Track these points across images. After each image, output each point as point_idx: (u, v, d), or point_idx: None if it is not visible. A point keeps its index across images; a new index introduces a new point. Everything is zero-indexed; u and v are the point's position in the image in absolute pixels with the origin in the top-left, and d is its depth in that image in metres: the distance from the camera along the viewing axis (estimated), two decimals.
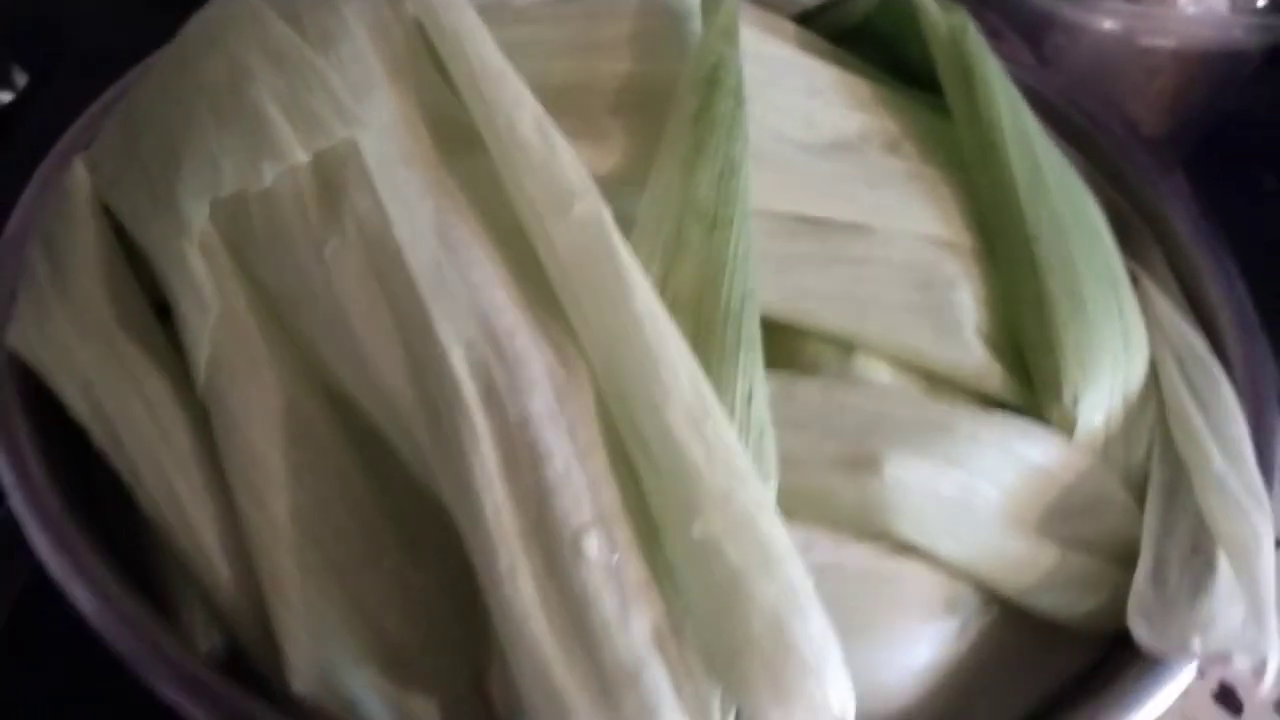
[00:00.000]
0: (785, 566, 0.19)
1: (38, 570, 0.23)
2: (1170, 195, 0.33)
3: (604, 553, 0.20)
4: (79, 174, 0.27)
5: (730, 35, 0.26)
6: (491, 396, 0.21)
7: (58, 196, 0.27)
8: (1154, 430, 0.27)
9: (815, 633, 0.19)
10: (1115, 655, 0.24)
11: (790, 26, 0.32)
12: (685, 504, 0.20)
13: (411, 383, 0.22)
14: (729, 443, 0.20)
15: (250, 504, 0.23)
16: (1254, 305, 0.55)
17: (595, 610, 0.19)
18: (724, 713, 0.19)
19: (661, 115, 0.26)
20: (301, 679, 0.22)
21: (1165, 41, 0.55)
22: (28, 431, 0.25)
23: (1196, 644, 0.22)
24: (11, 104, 0.44)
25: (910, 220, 0.27)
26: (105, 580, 0.23)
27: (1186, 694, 0.41)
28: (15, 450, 0.24)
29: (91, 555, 0.23)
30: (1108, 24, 0.54)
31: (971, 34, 0.30)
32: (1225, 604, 0.23)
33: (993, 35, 0.41)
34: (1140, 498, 0.26)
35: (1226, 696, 0.40)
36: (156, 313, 0.26)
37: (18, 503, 0.23)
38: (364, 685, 0.22)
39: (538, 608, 0.19)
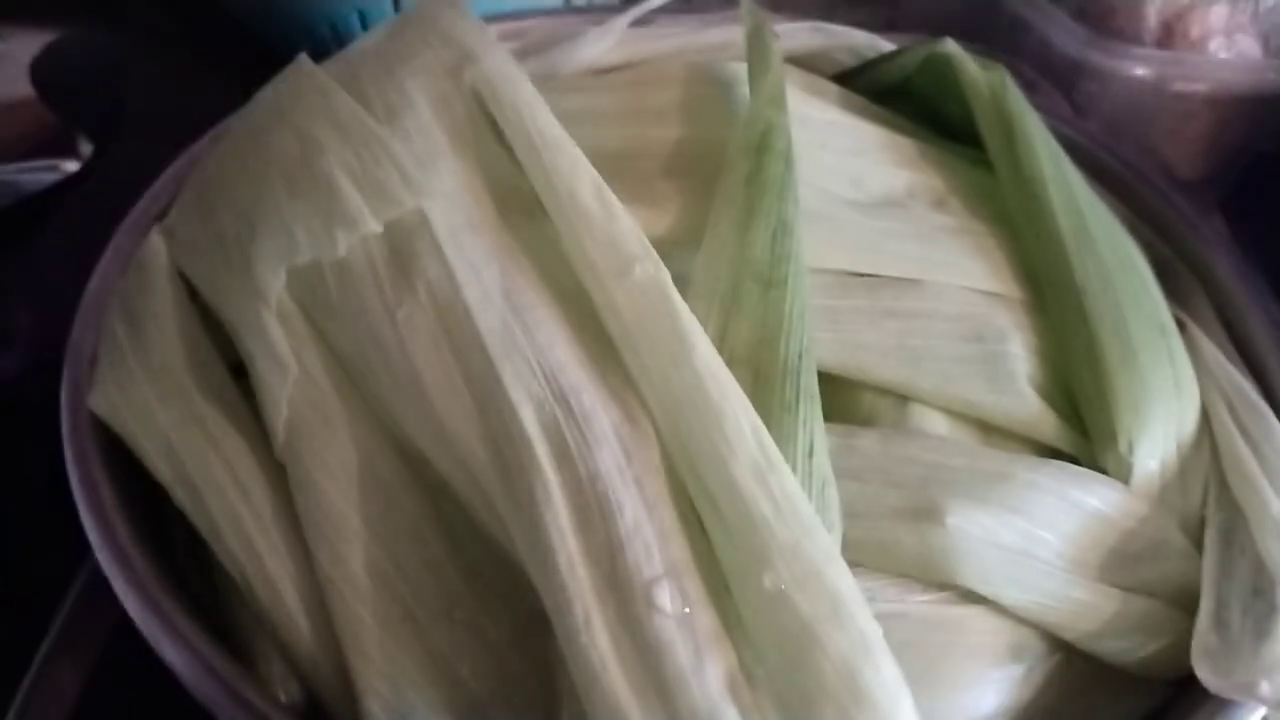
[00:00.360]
0: (855, 616, 0.20)
1: (122, 622, 0.24)
2: (1213, 241, 0.33)
3: (676, 604, 0.20)
4: (156, 243, 0.28)
5: (778, 102, 0.27)
6: (562, 453, 0.22)
7: (135, 265, 0.28)
8: (1209, 475, 0.27)
9: (887, 680, 0.19)
10: (1180, 700, 0.25)
11: (833, 88, 0.33)
12: (754, 556, 0.20)
13: (484, 441, 0.22)
14: (794, 495, 0.21)
15: (328, 559, 0.23)
16: None
17: (670, 659, 0.20)
18: None
19: (711, 179, 0.27)
20: None
21: (1198, 87, 0.55)
22: (111, 491, 0.26)
23: (1265, 688, 0.22)
24: (79, 172, 0.46)
25: (960, 274, 0.28)
26: (190, 632, 0.23)
27: None
28: (100, 510, 0.25)
29: (176, 609, 0.24)
30: (1139, 71, 0.54)
31: (1011, 90, 0.31)
32: None
33: (1028, 88, 0.42)
34: (1198, 542, 0.26)
35: None
36: (232, 374, 0.27)
37: (105, 560, 0.24)
38: None
39: (613, 658, 0.20)
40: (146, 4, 0.62)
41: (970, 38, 0.56)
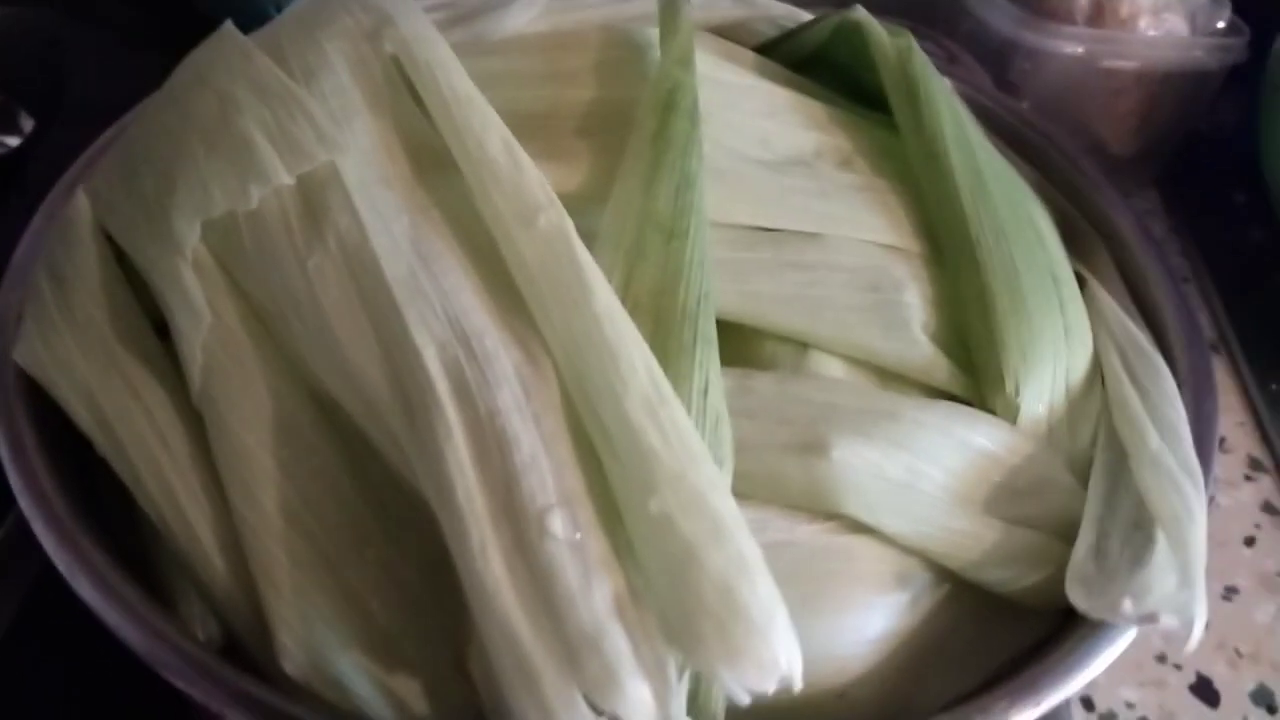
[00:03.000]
0: (734, 537, 0.21)
1: (46, 571, 0.25)
2: (1116, 201, 0.35)
3: (568, 530, 0.21)
4: (81, 203, 0.29)
5: (685, 62, 0.28)
6: (463, 391, 0.23)
7: (61, 224, 0.29)
8: (1099, 419, 0.28)
9: (763, 596, 0.20)
10: (1064, 629, 0.26)
11: (749, 54, 0.34)
12: (642, 483, 0.21)
13: (389, 382, 0.23)
14: (684, 428, 0.22)
15: (242, 501, 0.24)
16: (1225, 313, 0.56)
17: (560, 582, 0.21)
18: (680, 673, 0.20)
19: (623, 138, 0.28)
20: (293, 662, 0.23)
21: (1128, 64, 0.57)
22: (35, 441, 0.26)
23: (1129, 606, 0.23)
24: (19, 148, 0.47)
25: (861, 229, 0.29)
26: (108, 573, 0.24)
27: (1164, 687, 0.42)
28: (23, 458, 0.26)
29: (95, 551, 0.25)
30: (1070, 48, 0.56)
31: (916, 54, 0.32)
32: (1160, 573, 0.24)
33: (950, 60, 0.43)
34: (1085, 481, 0.27)
35: (1204, 689, 0.41)
36: (156, 332, 0.28)
37: (26, 505, 0.25)
38: (352, 667, 0.23)
39: (507, 582, 0.21)
40: None
41: (910, 16, 0.57)
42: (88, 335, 0.26)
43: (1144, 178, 0.64)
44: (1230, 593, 0.45)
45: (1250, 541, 0.47)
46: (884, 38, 0.33)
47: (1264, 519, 0.48)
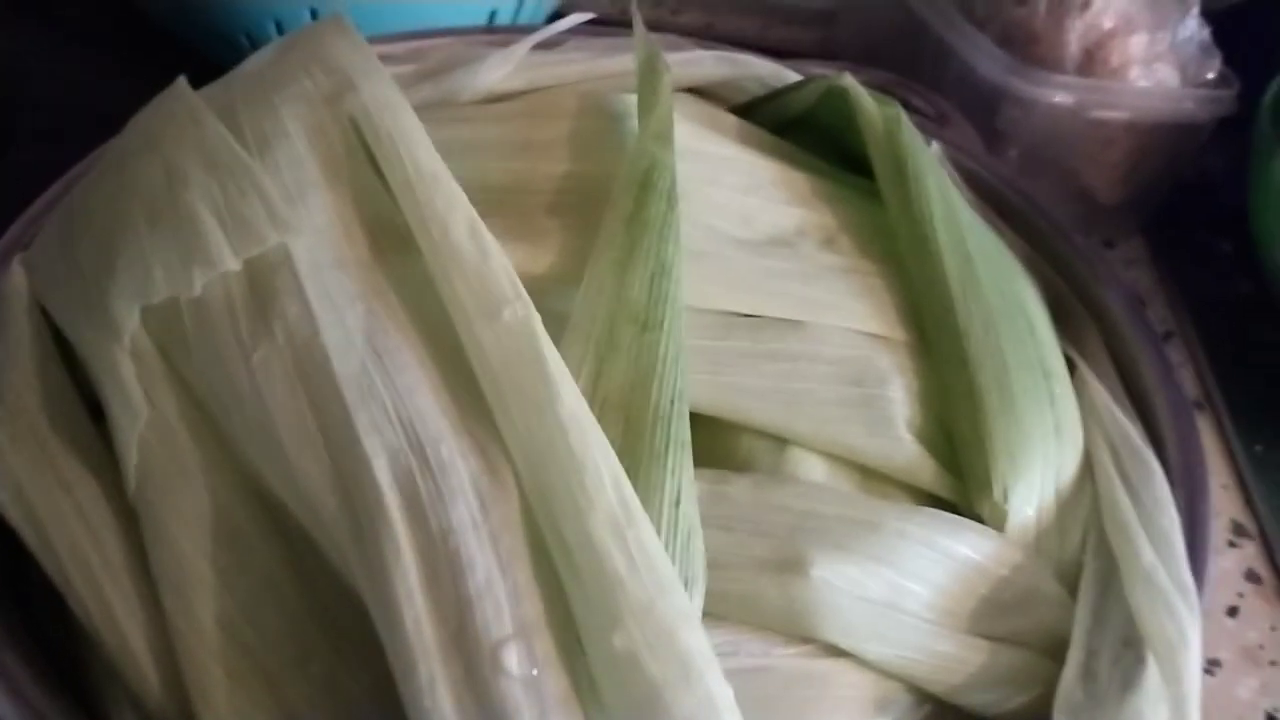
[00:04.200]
0: (704, 678, 0.19)
1: None
2: (1108, 279, 0.34)
3: (524, 665, 0.20)
4: (17, 276, 0.27)
5: (664, 138, 0.27)
6: (414, 507, 0.21)
7: None
8: (1088, 521, 0.27)
9: None
10: None
11: (731, 121, 0.33)
12: (606, 614, 0.20)
13: (335, 491, 0.22)
14: (652, 551, 0.21)
15: (177, 610, 0.23)
16: (1210, 368, 0.55)
17: None
18: None
19: (596, 215, 0.26)
20: None
21: (1118, 114, 0.56)
22: None
23: None
24: None
25: (844, 315, 0.28)
26: (29, 687, 0.22)
27: None
28: None
29: (17, 661, 0.23)
30: (1059, 98, 0.55)
31: (905, 127, 0.31)
32: (1152, 703, 0.23)
33: (941, 120, 0.42)
34: (1074, 590, 0.26)
35: None
36: (95, 412, 0.26)
37: None
38: None
39: None
40: (59, 1, 0.60)
41: (900, 61, 0.56)
42: (18, 423, 0.25)
43: (1131, 226, 0.63)
44: (1213, 666, 0.44)
45: (1233, 611, 0.46)
46: (872, 108, 0.31)
47: (1247, 588, 0.47)
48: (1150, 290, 0.61)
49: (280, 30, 0.53)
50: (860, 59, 0.71)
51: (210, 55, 0.57)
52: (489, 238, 0.24)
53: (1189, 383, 0.54)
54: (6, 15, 0.56)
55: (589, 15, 0.35)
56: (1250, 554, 0.48)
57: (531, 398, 0.22)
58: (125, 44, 0.57)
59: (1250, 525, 0.49)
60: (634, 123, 0.29)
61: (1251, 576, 0.47)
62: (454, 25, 0.51)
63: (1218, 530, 0.48)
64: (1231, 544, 0.48)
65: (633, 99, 0.30)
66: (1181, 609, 0.24)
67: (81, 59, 0.55)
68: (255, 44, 0.54)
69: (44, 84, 0.51)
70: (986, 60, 0.55)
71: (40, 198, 0.31)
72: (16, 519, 0.24)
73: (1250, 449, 0.52)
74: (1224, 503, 0.50)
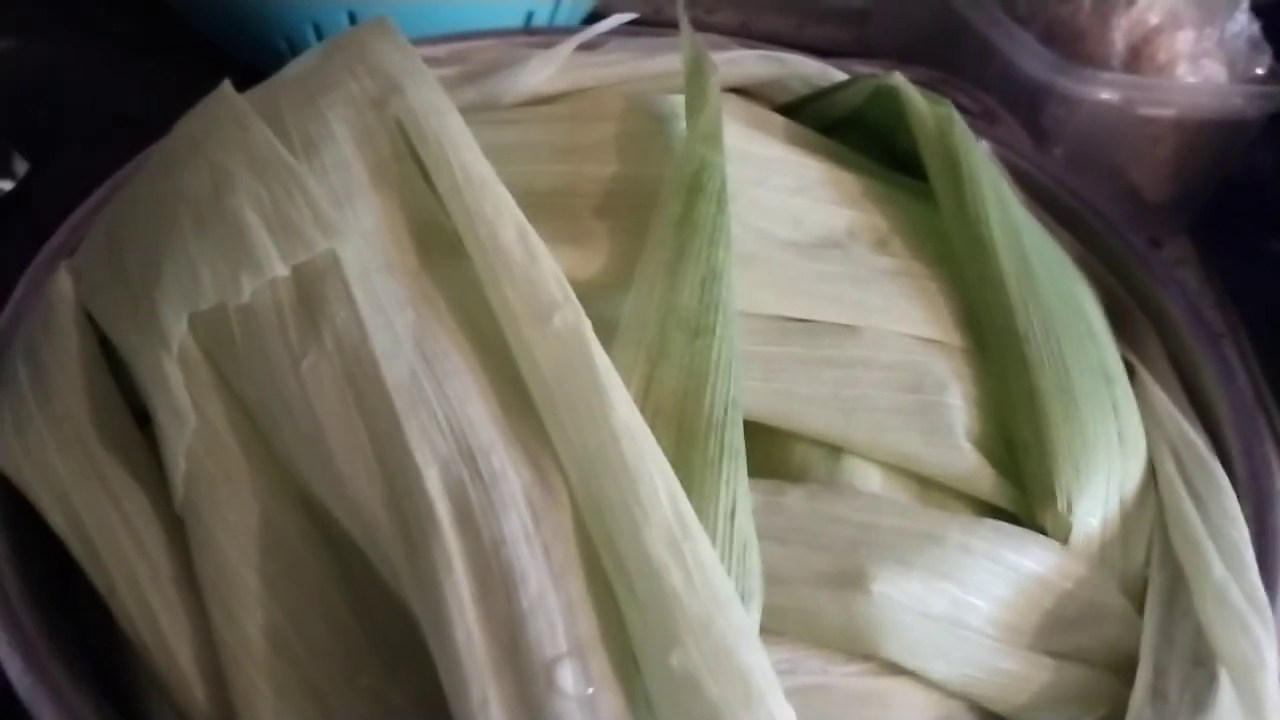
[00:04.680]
0: (765, 700, 0.19)
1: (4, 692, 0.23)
2: (1167, 282, 0.33)
3: (579, 684, 0.19)
4: (63, 282, 0.27)
5: (713, 140, 0.26)
6: (466, 518, 0.21)
7: (42, 304, 0.27)
8: (1153, 532, 0.26)
9: None
10: None
11: (778, 120, 0.32)
12: (663, 632, 0.19)
13: (385, 501, 0.21)
14: (709, 565, 0.20)
15: (224, 621, 0.22)
16: (1260, 369, 0.54)
17: None
18: None
19: (644, 219, 0.26)
20: None
21: (1165, 111, 0.55)
22: (4, 543, 0.24)
23: None
24: (12, 192, 0.45)
25: (898, 320, 0.27)
26: (73, 699, 0.22)
27: None
28: None
29: (62, 673, 0.23)
30: (1106, 95, 0.54)
31: (958, 127, 0.30)
32: None
33: (988, 118, 0.41)
34: (1140, 604, 0.25)
35: None
36: (140, 418, 0.26)
37: None
38: None
39: None
40: (102, 10, 0.60)
41: (938, 58, 0.55)
42: (65, 431, 0.25)
43: (1178, 224, 0.62)
44: None
45: None
46: (923, 106, 0.31)
47: None
48: (1198, 290, 0.59)
49: (319, 34, 0.53)
50: (897, 57, 0.70)
51: (249, 61, 0.57)
52: (538, 242, 0.24)
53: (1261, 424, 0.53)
54: (50, 25, 0.56)
55: (630, 15, 0.35)
56: None
57: (583, 406, 0.22)
58: (168, 51, 0.57)
59: None
60: (681, 124, 0.29)
61: None
62: (491, 25, 0.51)
63: None
64: None
65: (679, 100, 0.29)
66: (1257, 627, 0.23)
67: (125, 66, 0.55)
68: (294, 48, 0.54)
69: (88, 91, 0.51)
70: (1030, 58, 0.54)
71: (85, 203, 0.31)
72: (62, 527, 0.24)
73: None
74: None
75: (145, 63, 0.57)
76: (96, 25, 0.59)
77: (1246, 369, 0.55)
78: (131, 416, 0.25)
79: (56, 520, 0.24)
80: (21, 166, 0.45)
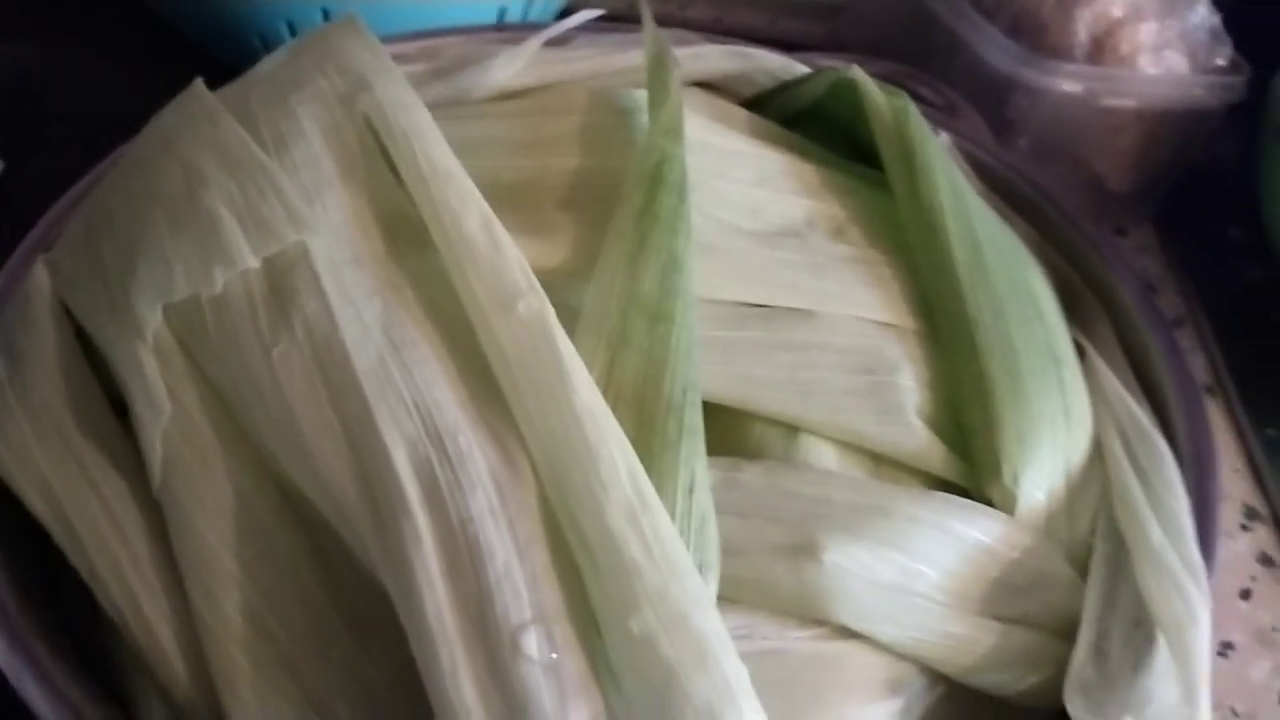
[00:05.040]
0: (720, 661, 0.20)
1: None
2: (1117, 265, 0.34)
3: (544, 650, 0.20)
4: (40, 276, 0.28)
5: (674, 133, 0.27)
6: (434, 496, 0.22)
7: (19, 297, 0.28)
8: (1098, 504, 0.27)
9: None
10: None
11: (741, 114, 0.33)
12: (623, 599, 0.20)
13: (356, 482, 0.22)
14: (667, 538, 0.21)
15: (202, 601, 0.23)
16: (1221, 354, 0.55)
17: (534, 708, 0.20)
18: None
19: (607, 210, 0.27)
20: None
21: (1127, 102, 0.56)
22: None
23: None
24: None
25: (853, 305, 0.28)
26: (59, 677, 0.23)
27: None
28: None
29: (47, 653, 0.23)
30: (1069, 86, 0.55)
31: (913, 117, 0.31)
32: (1162, 682, 0.23)
33: (949, 111, 0.42)
34: (1084, 572, 0.26)
35: None
36: (117, 407, 0.26)
37: None
38: None
39: (479, 706, 0.20)
40: (81, 11, 0.61)
41: (907, 52, 0.56)
42: (44, 420, 0.25)
43: (1141, 213, 0.63)
44: (1225, 649, 0.44)
45: (1246, 595, 0.46)
46: (880, 99, 0.32)
47: (1260, 571, 0.47)
48: (1160, 277, 0.61)
49: (293, 31, 0.53)
50: (868, 51, 0.71)
51: (225, 58, 0.57)
52: (502, 232, 0.25)
53: (1200, 369, 0.54)
54: (33, 26, 0.57)
55: (598, 12, 0.36)
56: (1262, 537, 0.48)
57: (547, 389, 0.23)
58: (147, 52, 0.58)
59: (1263, 509, 0.49)
60: (644, 118, 0.30)
61: (1264, 560, 0.47)
62: (464, 23, 0.52)
63: (1230, 514, 0.48)
64: (1244, 528, 0.48)
65: (642, 94, 0.30)
66: (1190, 588, 0.24)
67: (107, 67, 0.56)
68: (268, 45, 0.54)
69: (70, 91, 0.51)
70: (996, 50, 0.55)
71: (63, 197, 0.32)
72: (44, 515, 0.25)
73: (1262, 433, 0.52)
74: (1236, 487, 0.50)
75: (124, 63, 0.57)
76: (79, 26, 0.59)
77: (1207, 355, 0.56)
78: (109, 406, 0.26)
79: (38, 508, 0.25)
80: None
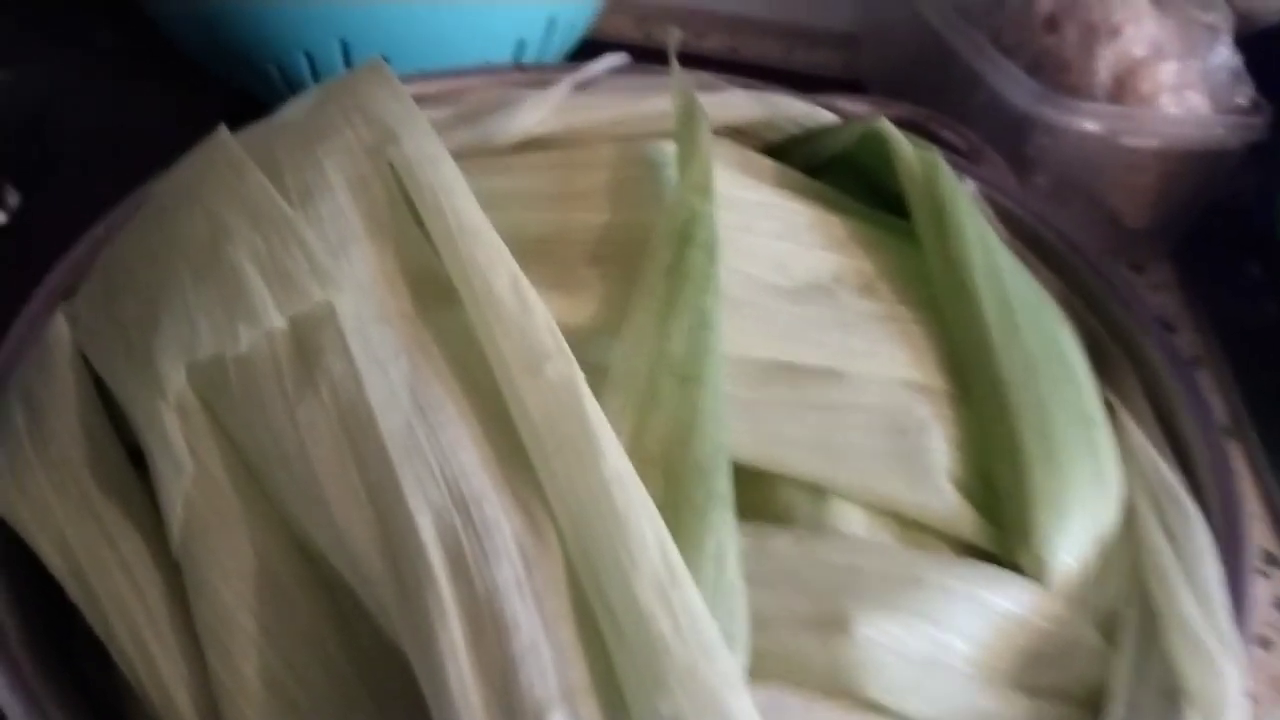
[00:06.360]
0: None
1: None
2: (1146, 322, 0.33)
3: None
4: (59, 326, 0.27)
5: (703, 190, 0.27)
6: (459, 566, 0.21)
7: (38, 348, 0.27)
8: (1128, 571, 0.27)
9: None
10: None
11: (767, 164, 0.33)
12: (651, 679, 0.20)
13: (380, 549, 0.22)
14: (697, 612, 0.21)
15: (221, 665, 0.23)
16: (1239, 393, 0.55)
17: None
18: None
19: (636, 266, 0.26)
20: None
21: (1148, 142, 0.56)
22: (1, 585, 0.25)
23: None
24: (5, 226, 0.45)
25: (883, 364, 0.28)
26: None
27: None
28: None
29: (59, 710, 0.23)
30: (1090, 125, 0.55)
31: (943, 173, 0.31)
32: None
33: (974, 156, 0.42)
34: (1112, 640, 0.26)
35: None
36: (135, 458, 0.26)
37: None
38: None
39: None
40: (93, 35, 0.61)
41: (925, 86, 0.56)
42: (62, 474, 0.25)
43: (1159, 250, 0.63)
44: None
45: (1265, 644, 0.45)
46: (910, 154, 0.31)
47: (1278, 618, 0.46)
48: (1178, 315, 0.60)
49: (310, 61, 0.53)
50: (884, 82, 0.71)
51: (242, 86, 0.57)
52: (531, 292, 0.24)
53: (1217, 408, 0.54)
54: (48, 48, 0.57)
55: (622, 56, 0.36)
56: None
57: (574, 455, 0.22)
58: (163, 74, 0.58)
59: None
60: (671, 171, 0.29)
61: None
62: (481, 54, 0.52)
63: None
64: (1263, 574, 0.48)
65: (670, 147, 0.30)
66: (1224, 663, 0.24)
67: (121, 89, 0.56)
68: (285, 75, 0.54)
69: (84, 113, 0.51)
70: (1017, 88, 0.55)
71: (80, 242, 0.31)
72: (60, 571, 0.24)
73: None
74: (1254, 532, 0.49)
75: (142, 86, 0.57)
76: (93, 48, 0.59)
77: (1225, 394, 0.55)
78: (128, 459, 0.26)
79: (54, 563, 0.25)
80: (14, 198, 0.45)
